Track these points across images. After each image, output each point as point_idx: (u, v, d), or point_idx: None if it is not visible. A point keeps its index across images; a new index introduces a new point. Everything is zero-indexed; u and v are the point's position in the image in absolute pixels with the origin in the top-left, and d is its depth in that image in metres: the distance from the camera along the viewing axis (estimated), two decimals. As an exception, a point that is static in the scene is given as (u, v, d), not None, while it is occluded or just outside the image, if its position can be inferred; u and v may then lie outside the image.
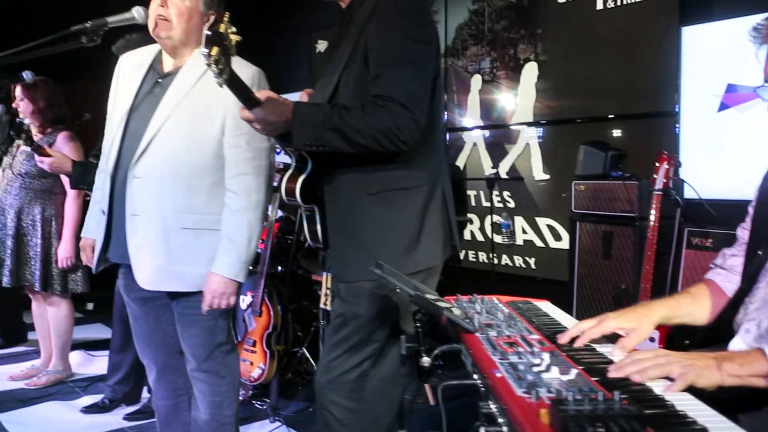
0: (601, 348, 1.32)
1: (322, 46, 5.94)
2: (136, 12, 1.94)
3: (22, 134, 2.52)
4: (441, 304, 1.40)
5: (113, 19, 1.90)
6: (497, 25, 4.35)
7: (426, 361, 1.37)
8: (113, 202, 2.06)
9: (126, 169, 2.02)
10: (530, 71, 4.17)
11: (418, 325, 1.47)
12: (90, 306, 5.66)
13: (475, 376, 1.17)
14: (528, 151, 4.22)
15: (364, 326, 1.74)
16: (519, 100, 4.25)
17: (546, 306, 1.69)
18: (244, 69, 2.02)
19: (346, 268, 1.79)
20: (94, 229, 2.18)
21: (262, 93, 1.61)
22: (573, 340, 1.30)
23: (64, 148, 3.49)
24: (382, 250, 1.73)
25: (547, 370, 1.08)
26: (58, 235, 3.56)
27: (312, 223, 1.91)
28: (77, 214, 3.56)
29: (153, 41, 2.15)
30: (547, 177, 4.12)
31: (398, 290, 1.36)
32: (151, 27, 2.02)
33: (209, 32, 1.38)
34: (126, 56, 2.21)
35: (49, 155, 2.84)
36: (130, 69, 2.15)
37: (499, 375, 1.05)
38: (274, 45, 6.18)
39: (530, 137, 4.20)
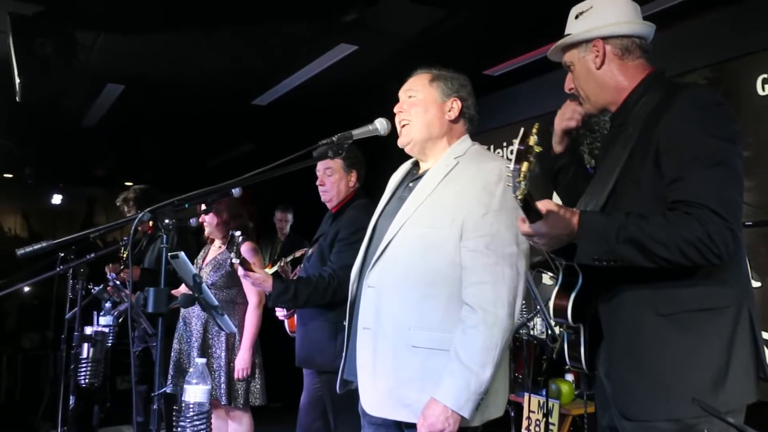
0: None
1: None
2: (379, 123, 1.89)
3: (234, 247, 2.53)
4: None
5: (357, 132, 1.86)
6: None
7: None
8: (353, 314, 1.92)
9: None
10: (728, 168, 3.82)
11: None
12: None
13: None
14: (730, 255, 3.79)
15: (667, 478, 1.44)
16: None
17: None
18: (489, 162, 1.88)
19: (633, 403, 1.52)
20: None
21: (544, 204, 1.44)
22: None
23: (249, 260, 3.52)
24: (683, 384, 1.45)
25: None
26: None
27: (576, 344, 1.68)
28: (257, 324, 3.53)
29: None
30: (758, 284, 3.66)
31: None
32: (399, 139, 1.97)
33: (521, 146, 1.26)
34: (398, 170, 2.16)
35: (254, 271, 2.80)
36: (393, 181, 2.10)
37: None
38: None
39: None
